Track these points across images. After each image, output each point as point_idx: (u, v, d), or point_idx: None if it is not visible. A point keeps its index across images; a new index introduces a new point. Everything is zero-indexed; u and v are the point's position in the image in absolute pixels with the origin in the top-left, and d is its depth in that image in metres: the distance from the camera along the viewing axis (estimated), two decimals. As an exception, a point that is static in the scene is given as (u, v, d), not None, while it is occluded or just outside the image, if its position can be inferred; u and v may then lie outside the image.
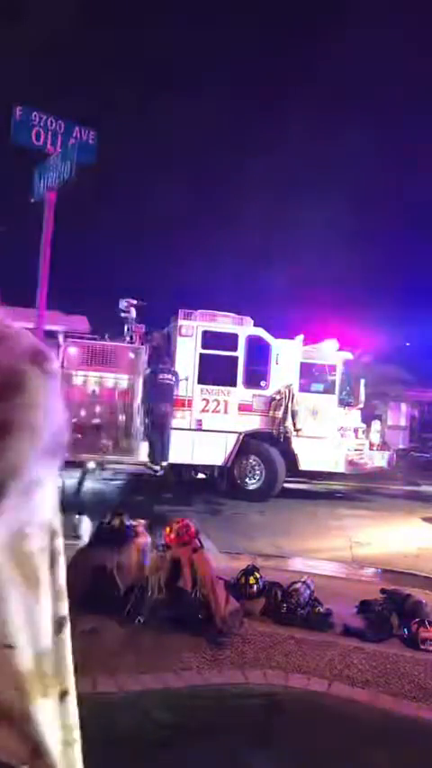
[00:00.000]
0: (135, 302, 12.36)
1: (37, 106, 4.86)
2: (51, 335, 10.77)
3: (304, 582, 5.30)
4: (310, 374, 12.85)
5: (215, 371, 12.23)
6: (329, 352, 13.02)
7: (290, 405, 12.13)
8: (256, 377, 12.47)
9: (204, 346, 12.18)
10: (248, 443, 12.26)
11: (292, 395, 12.20)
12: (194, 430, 12.00)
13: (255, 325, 12.66)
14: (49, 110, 4.89)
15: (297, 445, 12.33)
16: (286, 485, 12.85)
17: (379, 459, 13.33)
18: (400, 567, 7.65)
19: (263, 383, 12.47)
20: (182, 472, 12.81)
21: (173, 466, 12.15)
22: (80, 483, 12.77)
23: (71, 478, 12.68)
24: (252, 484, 12.34)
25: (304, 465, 12.52)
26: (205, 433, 12.03)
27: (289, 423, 12.09)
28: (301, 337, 13.04)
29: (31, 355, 1.14)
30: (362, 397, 13.17)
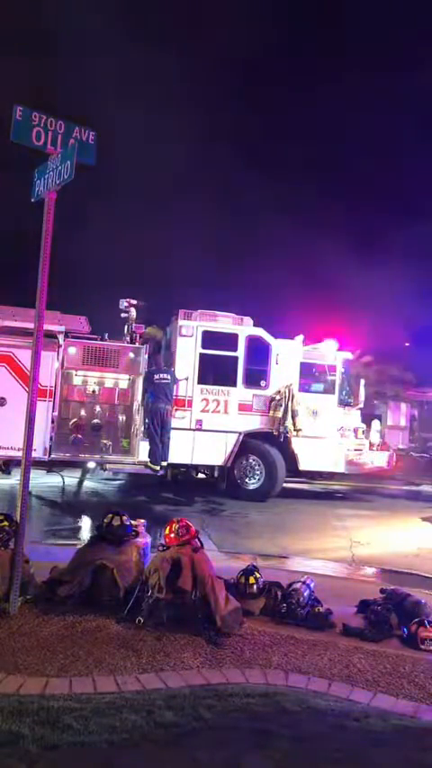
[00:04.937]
0: (135, 302, 12.36)
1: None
2: (51, 335, 10.78)
3: (304, 582, 5.30)
4: (310, 374, 12.86)
5: (215, 371, 12.24)
6: (329, 352, 13.03)
7: (290, 405, 12.13)
8: (256, 377, 12.47)
9: (204, 346, 12.17)
10: (248, 443, 12.26)
11: (292, 395, 12.21)
12: (194, 430, 12.00)
13: (255, 325, 12.67)
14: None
15: (297, 445, 12.35)
16: (286, 485, 12.86)
17: (379, 459, 13.33)
18: (400, 567, 7.67)
19: (263, 383, 12.47)
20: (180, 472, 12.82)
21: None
22: (80, 483, 12.80)
23: (71, 478, 12.72)
24: (252, 484, 12.34)
25: (304, 465, 12.54)
26: (205, 433, 12.03)
27: (289, 423, 12.09)
28: (301, 337, 13.05)
29: None
30: (362, 397, 13.18)
